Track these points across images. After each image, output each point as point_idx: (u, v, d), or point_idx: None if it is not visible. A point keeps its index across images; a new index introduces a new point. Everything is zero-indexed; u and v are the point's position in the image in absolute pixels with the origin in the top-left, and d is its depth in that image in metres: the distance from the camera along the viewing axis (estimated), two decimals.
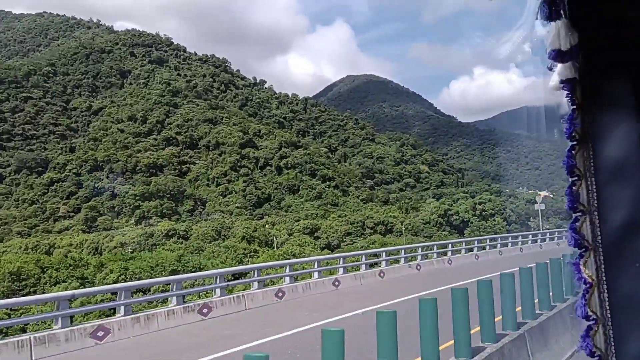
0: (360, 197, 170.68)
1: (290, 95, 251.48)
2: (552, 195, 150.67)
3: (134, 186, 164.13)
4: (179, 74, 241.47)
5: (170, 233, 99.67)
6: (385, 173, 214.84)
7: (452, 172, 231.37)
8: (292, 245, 65.77)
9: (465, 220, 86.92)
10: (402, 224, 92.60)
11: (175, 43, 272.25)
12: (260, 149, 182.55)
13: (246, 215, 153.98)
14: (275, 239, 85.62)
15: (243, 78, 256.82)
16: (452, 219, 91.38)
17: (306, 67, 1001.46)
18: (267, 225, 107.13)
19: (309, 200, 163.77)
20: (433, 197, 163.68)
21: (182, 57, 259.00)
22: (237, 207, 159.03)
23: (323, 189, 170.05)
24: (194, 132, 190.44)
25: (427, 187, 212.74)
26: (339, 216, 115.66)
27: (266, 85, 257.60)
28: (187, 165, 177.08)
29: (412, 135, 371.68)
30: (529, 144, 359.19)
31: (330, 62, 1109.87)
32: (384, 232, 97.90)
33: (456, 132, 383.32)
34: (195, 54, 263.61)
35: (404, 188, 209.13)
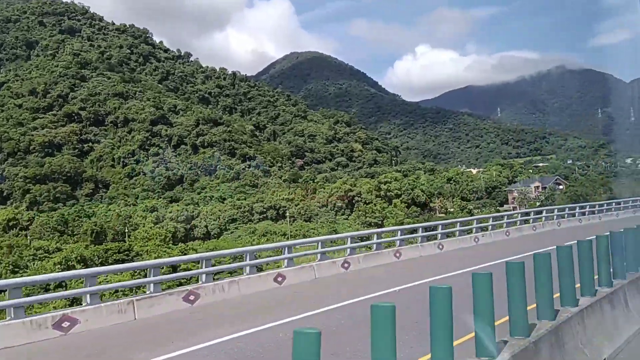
0: (283, 178, 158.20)
1: (218, 70, 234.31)
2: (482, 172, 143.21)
3: (26, 167, 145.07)
4: (91, 45, 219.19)
5: (10, 223, 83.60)
6: (316, 152, 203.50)
7: (386, 151, 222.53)
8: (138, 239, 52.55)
9: (367, 202, 75.94)
10: (290, 209, 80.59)
11: (91, 12, 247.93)
12: (175, 126, 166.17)
13: (154, 198, 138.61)
14: (126, 231, 72.17)
15: (166, 50, 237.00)
16: (354, 201, 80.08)
17: (247, 43, 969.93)
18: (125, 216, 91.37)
19: (226, 181, 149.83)
20: (366, 176, 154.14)
21: (97, 26, 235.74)
22: (144, 190, 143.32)
23: (243, 169, 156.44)
24: (101, 107, 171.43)
25: (360, 166, 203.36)
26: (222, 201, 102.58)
27: (192, 59, 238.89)
28: (90, 144, 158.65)
29: (355, 113, 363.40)
30: (470, 121, 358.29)
31: (272, 39, 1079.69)
32: (275, 217, 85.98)
33: (399, 111, 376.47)
34: (113, 24, 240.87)
35: (336, 167, 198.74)
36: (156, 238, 60.80)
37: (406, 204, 77.84)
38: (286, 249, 16.18)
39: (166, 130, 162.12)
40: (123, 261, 41.22)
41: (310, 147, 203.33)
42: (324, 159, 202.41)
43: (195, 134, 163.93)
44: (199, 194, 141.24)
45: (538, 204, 69.75)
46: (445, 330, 4.90)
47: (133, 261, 40.67)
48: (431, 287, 4.98)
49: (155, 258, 45.32)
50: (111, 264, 40.56)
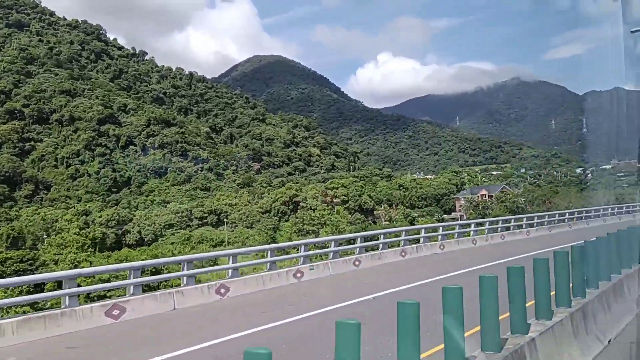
0: (237, 182, 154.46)
1: (174, 70, 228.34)
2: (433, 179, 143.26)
3: None
4: (40, 40, 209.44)
5: None
6: (274, 156, 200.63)
7: (345, 156, 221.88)
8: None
9: (313, 207, 73.65)
10: (232, 215, 77.04)
11: (42, 6, 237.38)
12: (124, 126, 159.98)
13: (99, 201, 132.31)
14: (44, 238, 67.32)
15: (120, 48, 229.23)
16: (299, 207, 77.55)
17: (209, 45, 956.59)
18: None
19: (177, 184, 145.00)
20: (322, 181, 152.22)
21: (47, 21, 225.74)
22: (88, 192, 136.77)
23: (195, 171, 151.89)
24: (46, 104, 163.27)
25: (318, 171, 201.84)
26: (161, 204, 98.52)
27: (148, 57, 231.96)
28: (32, 143, 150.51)
29: (317, 118, 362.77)
30: (429, 129, 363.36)
31: (234, 41, 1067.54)
32: (216, 222, 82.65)
33: (361, 117, 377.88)
34: (64, 19, 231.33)
35: (293, 172, 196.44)
36: (72, 245, 56.46)
37: (353, 211, 76.29)
38: (230, 257, 14.64)
39: (114, 130, 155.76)
40: (25, 272, 37.33)
41: (268, 151, 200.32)
42: (281, 163, 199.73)
43: (146, 134, 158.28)
44: (147, 196, 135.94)
45: (486, 212, 69.58)
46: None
47: (34, 273, 36.93)
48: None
49: (70, 268, 41.77)
50: (10, 275, 36.62)
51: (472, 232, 26.16)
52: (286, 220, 74.16)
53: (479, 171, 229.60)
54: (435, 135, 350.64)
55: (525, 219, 31.72)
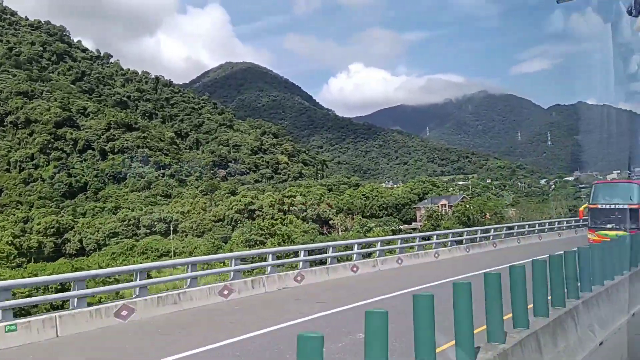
0: (200, 188, 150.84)
1: (140, 73, 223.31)
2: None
3: None
4: (0, 40, 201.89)
5: None
6: (240, 162, 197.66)
7: (313, 164, 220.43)
8: None
9: (269, 216, 71.42)
10: (183, 223, 73.82)
11: (2, 5, 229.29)
12: (83, 130, 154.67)
13: (51, 207, 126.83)
14: None
15: (84, 50, 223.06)
16: (255, 215, 75.21)
17: (180, 50, 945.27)
18: None
19: (136, 190, 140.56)
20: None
21: (7, 21, 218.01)
22: (41, 198, 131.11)
23: (156, 177, 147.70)
24: (1, 106, 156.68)
25: (285, 179, 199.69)
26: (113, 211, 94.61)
27: (113, 60, 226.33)
28: None
29: (288, 125, 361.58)
30: (399, 139, 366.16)
31: (206, 48, 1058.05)
32: (164, 231, 79.48)
33: (332, 125, 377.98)
34: (26, 19, 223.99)
35: (260, 179, 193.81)
36: None
37: (311, 220, 74.43)
38: (138, 273, 12.61)
39: (72, 134, 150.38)
40: None
41: (235, 158, 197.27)
42: (248, 170, 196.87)
43: (106, 138, 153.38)
44: (104, 202, 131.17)
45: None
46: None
47: None
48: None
49: None
50: None
51: (434, 245, 24.64)
52: (250, 229, 71.79)
53: (447, 181, 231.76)
54: (405, 145, 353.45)
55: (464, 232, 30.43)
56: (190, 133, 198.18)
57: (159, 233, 78.78)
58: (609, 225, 23.21)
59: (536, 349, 7.21)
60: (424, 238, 24.88)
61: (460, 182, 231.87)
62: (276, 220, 60.15)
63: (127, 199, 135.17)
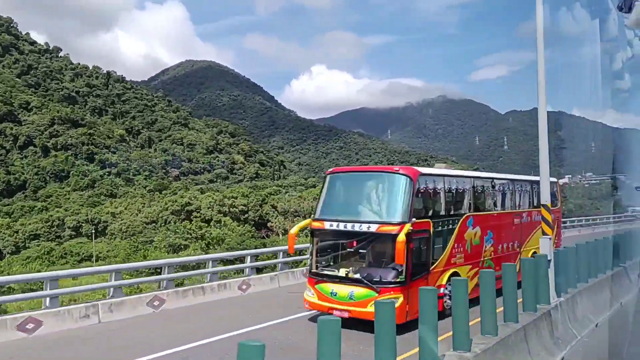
0: (148, 188, 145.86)
1: (90, 68, 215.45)
2: None
3: None
4: None
5: None
6: (195, 162, 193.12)
7: (270, 165, 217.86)
8: None
9: (207, 218, 68.00)
10: (113, 225, 69.51)
11: None
12: (25, 125, 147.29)
13: None
14: None
15: (32, 43, 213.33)
16: (192, 217, 71.90)
17: (138, 47, 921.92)
18: None
19: (79, 189, 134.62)
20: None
21: None
22: None
23: (101, 176, 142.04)
24: None
25: (241, 179, 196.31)
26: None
27: (62, 54, 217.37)
28: None
29: (249, 125, 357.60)
30: (360, 141, 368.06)
31: (166, 45, 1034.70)
32: (94, 232, 75.51)
33: (293, 126, 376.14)
34: None
35: (215, 179, 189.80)
36: None
37: (253, 222, 72.09)
38: (48, 282, 11.08)
39: (12, 129, 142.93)
40: None
41: (189, 157, 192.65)
42: (202, 170, 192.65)
43: (49, 134, 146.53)
44: (44, 201, 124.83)
45: None
46: None
47: None
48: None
49: None
50: None
51: None
52: (175, 232, 68.45)
53: None
54: (365, 147, 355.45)
55: None
56: (142, 131, 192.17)
57: (85, 235, 74.62)
58: (339, 272, 11.14)
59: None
60: None
61: None
62: (208, 222, 57.66)
63: (68, 199, 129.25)
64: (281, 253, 17.72)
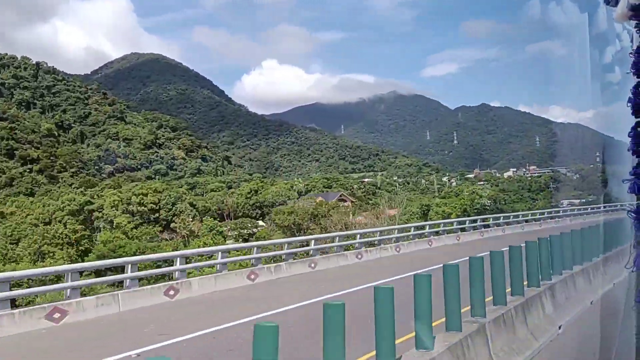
0: (74, 186, 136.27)
1: (19, 58, 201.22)
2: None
3: None
4: None
5: None
6: (131, 158, 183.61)
7: (213, 160, 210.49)
8: None
9: (109, 219, 61.96)
10: None
11: None
12: None
13: None
14: None
15: None
16: (93, 217, 65.46)
17: (79, 39, 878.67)
18: None
19: None
20: (186, 186, 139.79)
21: None
22: None
23: (21, 173, 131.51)
24: None
25: (182, 175, 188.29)
26: None
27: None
28: None
29: (197, 120, 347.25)
30: (312, 136, 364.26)
31: (109, 37, 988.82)
32: None
33: (243, 121, 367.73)
34: None
35: (153, 175, 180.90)
36: None
37: (164, 222, 66.30)
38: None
39: None
40: None
41: (125, 153, 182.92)
42: (139, 166, 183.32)
43: None
44: None
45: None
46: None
47: None
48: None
49: None
50: None
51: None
52: (75, 233, 61.63)
53: (358, 178, 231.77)
54: (317, 143, 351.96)
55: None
56: (74, 125, 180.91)
57: None
58: None
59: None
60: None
61: (367, 180, 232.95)
62: (112, 223, 51.56)
63: None
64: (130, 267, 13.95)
